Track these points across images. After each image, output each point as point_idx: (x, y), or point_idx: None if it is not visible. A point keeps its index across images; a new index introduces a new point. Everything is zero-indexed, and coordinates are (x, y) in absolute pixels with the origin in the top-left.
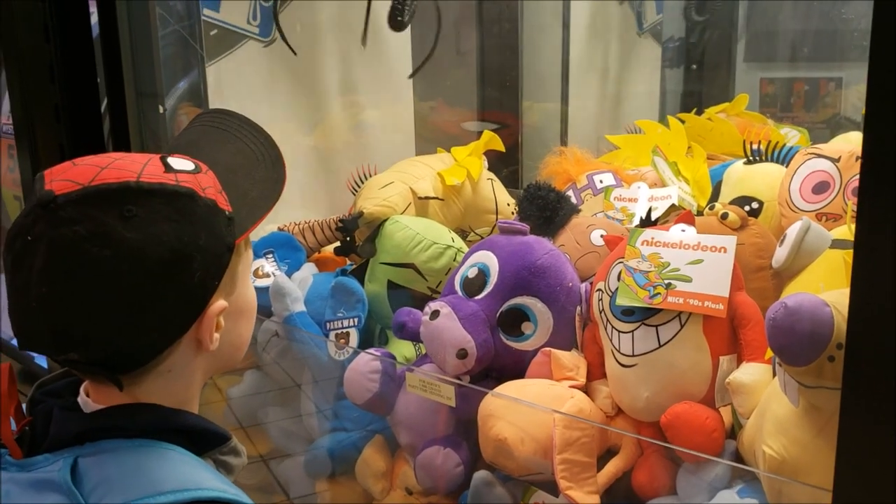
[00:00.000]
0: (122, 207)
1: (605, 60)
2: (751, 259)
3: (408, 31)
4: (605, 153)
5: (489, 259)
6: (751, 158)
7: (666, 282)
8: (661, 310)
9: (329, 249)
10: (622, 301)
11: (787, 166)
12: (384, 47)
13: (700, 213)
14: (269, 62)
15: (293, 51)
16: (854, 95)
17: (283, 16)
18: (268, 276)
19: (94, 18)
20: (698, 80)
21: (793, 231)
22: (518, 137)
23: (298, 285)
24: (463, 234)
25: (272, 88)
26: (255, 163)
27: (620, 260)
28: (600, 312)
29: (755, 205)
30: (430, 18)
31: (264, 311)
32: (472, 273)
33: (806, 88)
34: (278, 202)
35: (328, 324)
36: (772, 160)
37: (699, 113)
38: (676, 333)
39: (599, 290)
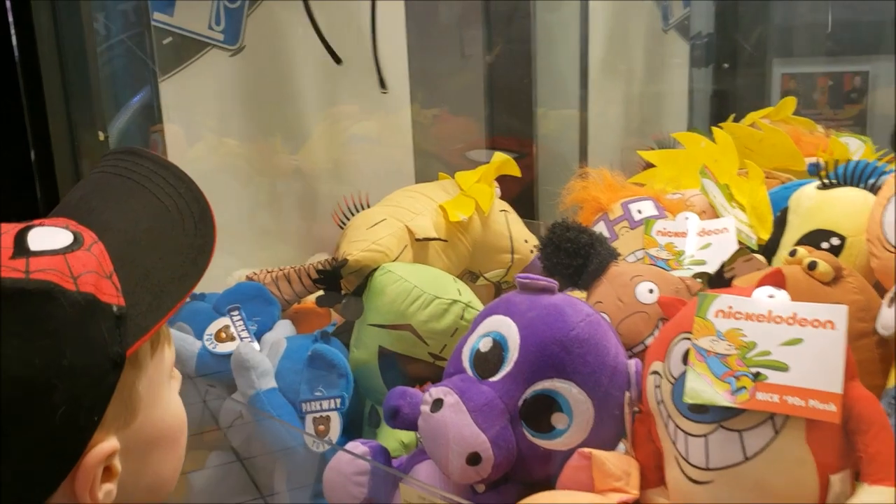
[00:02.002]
0: None
1: (627, 61)
2: (850, 323)
3: (402, 28)
4: (630, 169)
5: (507, 327)
6: (826, 182)
7: (753, 370)
8: (745, 409)
9: (312, 299)
10: (693, 397)
11: (870, 189)
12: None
13: (760, 251)
14: (239, 73)
15: (337, 59)
16: (882, 88)
17: (253, 18)
18: (233, 339)
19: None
20: (731, 78)
21: None
22: (532, 153)
23: (270, 350)
24: (472, 278)
25: (244, 103)
26: (168, 225)
27: (686, 335)
28: (658, 404)
29: (835, 241)
30: (431, 11)
31: (228, 386)
32: (486, 346)
33: (830, 84)
34: (251, 242)
35: (304, 405)
36: (847, 182)
37: (737, 119)
38: (769, 442)
39: (656, 372)
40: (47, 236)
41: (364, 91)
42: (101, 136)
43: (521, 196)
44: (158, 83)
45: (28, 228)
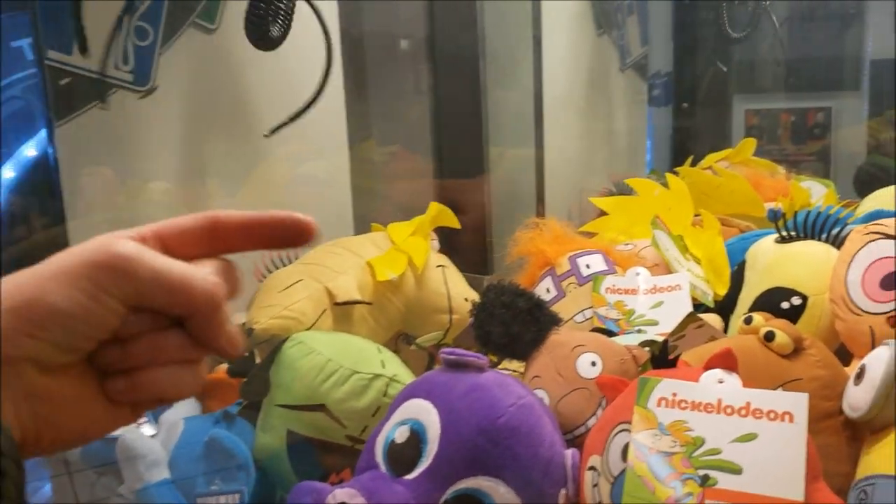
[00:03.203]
0: None
1: (585, 99)
2: (813, 402)
3: (339, 65)
4: (590, 210)
5: (426, 414)
6: (784, 234)
7: (701, 472)
8: None
9: (223, 368)
10: (630, 503)
11: (832, 241)
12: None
13: (716, 309)
14: (154, 114)
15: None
16: (846, 126)
17: (166, 58)
18: None
19: None
20: (692, 116)
21: (876, 366)
22: (484, 197)
23: (167, 433)
24: (407, 340)
25: (158, 148)
26: None
27: (625, 425)
28: None
29: (797, 300)
30: (372, 47)
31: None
32: (402, 436)
33: (793, 119)
34: None
35: (199, 500)
36: (807, 233)
37: (697, 160)
38: None
39: (594, 468)
40: None
41: (302, 131)
42: None
43: (473, 247)
44: (54, 129)
45: None
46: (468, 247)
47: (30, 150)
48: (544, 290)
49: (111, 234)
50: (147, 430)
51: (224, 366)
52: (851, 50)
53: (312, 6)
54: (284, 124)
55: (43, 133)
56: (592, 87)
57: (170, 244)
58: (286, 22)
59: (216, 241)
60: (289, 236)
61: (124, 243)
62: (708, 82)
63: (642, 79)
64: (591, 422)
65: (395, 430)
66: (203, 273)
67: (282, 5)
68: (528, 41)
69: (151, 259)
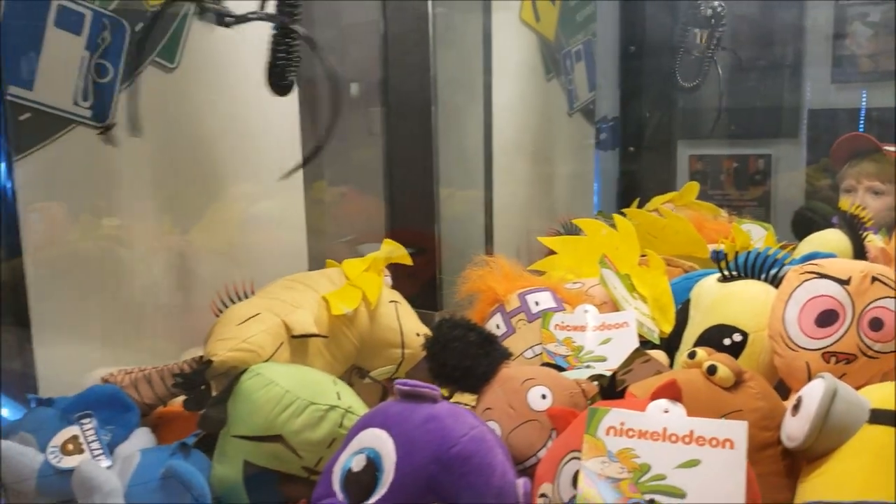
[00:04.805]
0: None
1: (533, 142)
2: (752, 432)
3: (294, 97)
4: (538, 251)
5: (382, 443)
6: (726, 274)
7: (647, 497)
8: None
9: (181, 400)
10: None
11: (770, 281)
12: (267, 124)
13: (662, 345)
14: (110, 152)
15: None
16: (785, 172)
17: (127, 94)
18: (81, 451)
19: None
20: (637, 160)
21: (811, 398)
22: (434, 237)
23: (122, 465)
24: (361, 374)
25: (124, 182)
26: None
27: (576, 454)
28: None
29: (738, 337)
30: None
31: None
32: (358, 464)
33: (735, 165)
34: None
35: None
36: (747, 273)
37: (642, 203)
38: None
39: (544, 495)
40: None
41: (259, 170)
42: None
43: (424, 285)
44: (13, 163)
45: None
46: (418, 284)
47: None
48: (494, 325)
49: None
50: (103, 462)
51: (180, 398)
52: (790, 100)
53: (321, 57)
54: (298, 167)
55: (2, 167)
56: (541, 131)
57: None
58: (297, 70)
59: None
60: None
61: None
62: (653, 128)
63: (590, 123)
64: (542, 453)
65: (351, 459)
66: None
67: (296, 55)
68: (479, 86)
69: None
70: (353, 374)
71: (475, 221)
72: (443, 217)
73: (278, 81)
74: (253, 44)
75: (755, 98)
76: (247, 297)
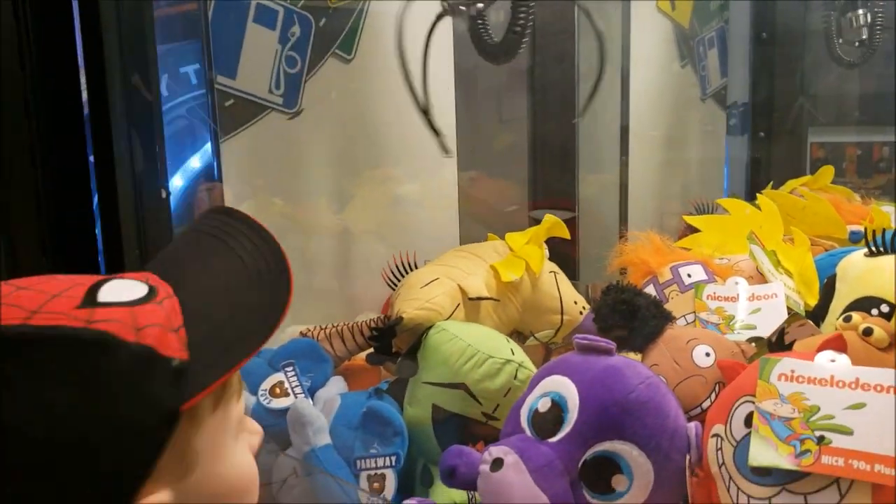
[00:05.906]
0: None
1: (666, 128)
2: None
3: (451, 89)
4: (670, 234)
5: (566, 388)
6: (874, 249)
7: (818, 434)
8: (809, 472)
9: (362, 356)
10: (758, 459)
11: None
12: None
13: (808, 315)
14: (295, 136)
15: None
16: None
17: (311, 83)
18: (287, 394)
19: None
20: (767, 147)
21: None
22: (574, 215)
23: (324, 407)
24: (519, 338)
25: (295, 165)
26: (245, 283)
27: (748, 398)
28: (720, 467)
29: (885, 308)
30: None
31: (281, 440)
32: (545, 406)
33: (859, 153)
34: (300, 300)
35: (359, 462)
36: (893, 250)
37: (776, 187)
38: None
39: (717, 435)
40: (122, 288)
41: (411, 154)
42: (164, 193)
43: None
44: (220, 143)
45: (104, 281)
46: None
47: (195, 162)
48: None
49: None
50: (310, 402)
51: (363, 354)
52: None
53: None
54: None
55: (208, 147)
56: (674, 116)
57: None
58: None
59: None
60: None
61: None
62: (783, 113)
63: (721, 108)
64: (706, 404)
65: (538, 401)
66: None
67: (531, 23)
68: (617, 73)
69: None
70: (514, 338)
71: (610, 204)
72: (581, 198)
73: (511, 48)
74: (421, 39)
75: (882, 84)
76: (413, 267)
